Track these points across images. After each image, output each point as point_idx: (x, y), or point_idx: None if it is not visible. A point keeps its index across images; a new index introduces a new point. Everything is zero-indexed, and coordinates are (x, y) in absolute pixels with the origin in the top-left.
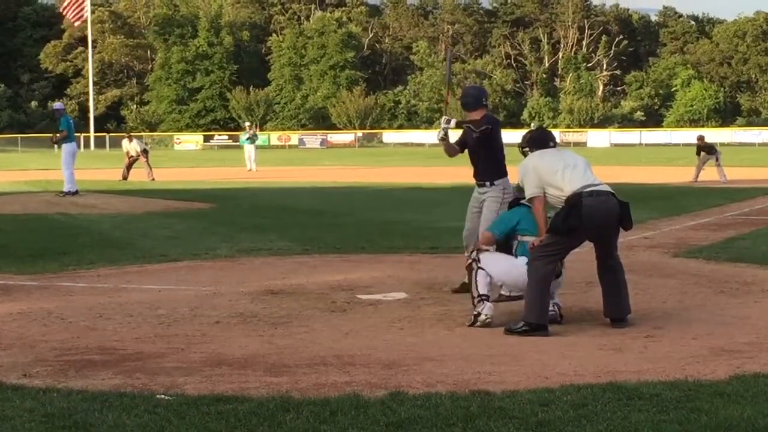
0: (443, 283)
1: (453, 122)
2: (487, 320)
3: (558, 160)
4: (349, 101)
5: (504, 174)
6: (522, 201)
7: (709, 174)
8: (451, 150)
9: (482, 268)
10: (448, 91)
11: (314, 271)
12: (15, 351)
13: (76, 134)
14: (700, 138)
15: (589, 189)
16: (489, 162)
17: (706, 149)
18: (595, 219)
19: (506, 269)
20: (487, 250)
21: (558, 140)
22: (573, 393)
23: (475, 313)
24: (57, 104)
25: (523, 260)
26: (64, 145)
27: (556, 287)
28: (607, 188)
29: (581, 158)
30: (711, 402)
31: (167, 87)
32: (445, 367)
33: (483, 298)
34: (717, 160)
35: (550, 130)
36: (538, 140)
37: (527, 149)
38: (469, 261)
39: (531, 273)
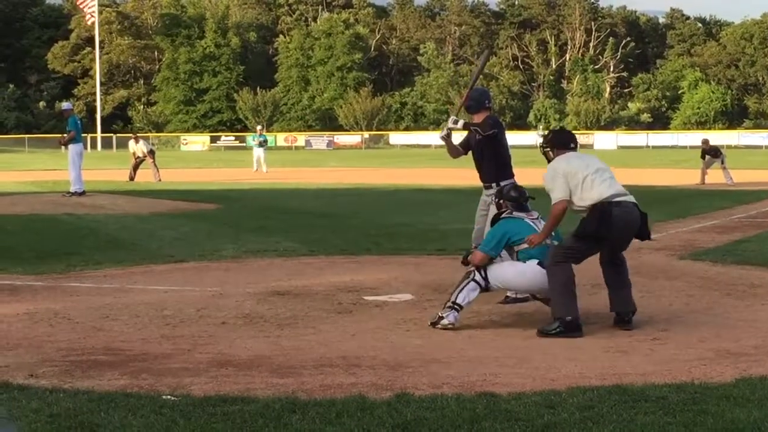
0: (449, 285)
1: (461, 123)
2: (449, 327)
3: (585, 165)
4: (355, 102)
5: (510, 176)
6: (503, 215)
7: (716, 176)
8: (454, 151)
9: (476, 281)
10: (468, 92)
11: (320, 273)
12: (21, 351)
13: (83, 135)
14: (705, 141)
15: (617, 199)
16: (494, 164)
17: (711, 152)
18: (622, 229)
19: (515, 276)
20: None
21: None
22: (579, 395)
23: (441, 315)
24: (66, 104)
25: (532, 263)
26: (71, 146)
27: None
28: (632, 199)
29: (605, 164)
30: (717, 405)
31: (174, 88)
32: (451, 369)
33: (456, 307)
34: (722, 162)
35: (571, 131)
36: (560, 141)
37: (548, 149)
38: (471, 269)
39: (552, 276)
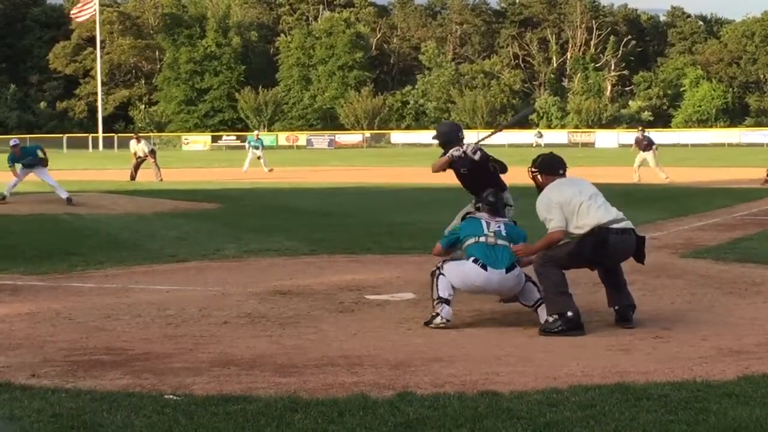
0: None
1: (478, 155)
2: (442, 323)
3: (578, 192)
4: (357, 102)
5: (505, 188)
6: (468, 215)
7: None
8: (442, 169)
9: (443, 275)
10: (500, 130)
11: (322, 272)
12: (23, 351)
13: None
14: (641, 130)
15: (615, 225)
16: (489, 181)
17: (641, 144)
18: (617, 254)
19: (459, 274)
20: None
21: (567, 140)
22: (581, 394)
23: (434, 313)
24: (12, 141)
25: (469, 260)
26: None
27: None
28: (630, 224)
29: (595, 189)
30: (719, 403)
31: (176, 87)
32: (453, 368)
33: (442, 300)
34: (654, 156)
35: (560, 156)
36: (549, 166)
37: (537, 173)
38: (434, 268)
39: (543, 278)
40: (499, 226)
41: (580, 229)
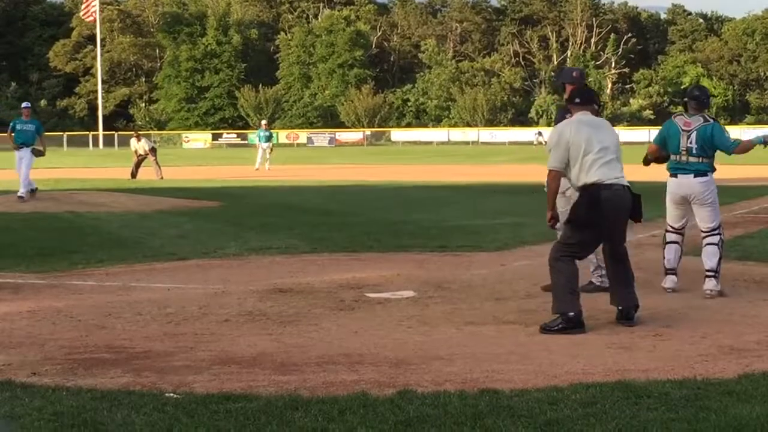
0: (451, 282)
1: None
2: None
3: (592, 140)
4: (357, 99)
5: None
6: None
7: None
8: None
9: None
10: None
11: (323, 270)
12: (24, 349)
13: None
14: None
15: (608, 182)
16: None
17: None
18: (612, 212)
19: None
20: None
21: None
22: (582, 392)
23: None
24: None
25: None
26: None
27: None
28: (624, 182)
29: (614, 140)
30: (720, 401)
31: (176, 85)
32: (454, 366)
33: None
34: None
35: (590, 91)
36: (587, 96)
37: (578, 101)
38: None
39: (555, 272)
40: (690, 141)
41: (577, 181)
